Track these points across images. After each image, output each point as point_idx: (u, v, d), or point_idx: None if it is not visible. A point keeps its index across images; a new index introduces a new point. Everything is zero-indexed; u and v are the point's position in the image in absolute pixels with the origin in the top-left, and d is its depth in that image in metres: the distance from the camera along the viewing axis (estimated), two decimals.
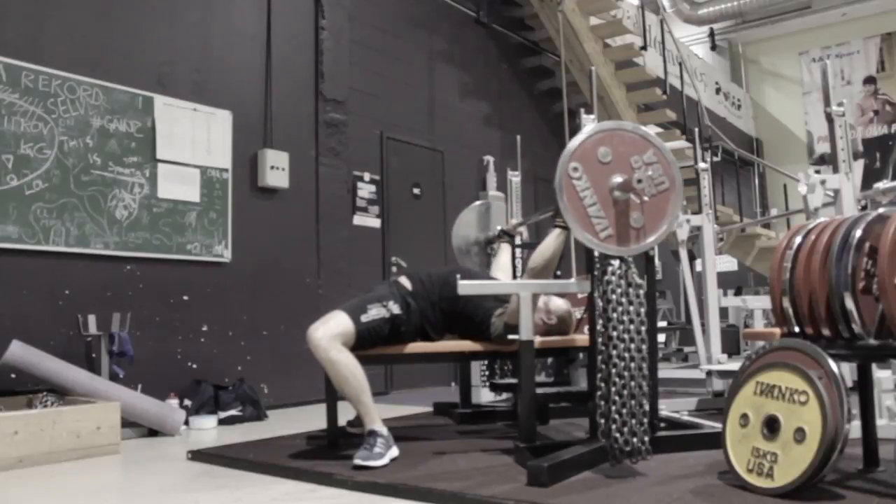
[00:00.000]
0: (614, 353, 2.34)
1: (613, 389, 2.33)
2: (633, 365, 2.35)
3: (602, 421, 2.34)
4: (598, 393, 2.37)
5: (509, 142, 5.54)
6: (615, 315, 2.37)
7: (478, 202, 4.08)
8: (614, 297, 2.38)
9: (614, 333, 2.35)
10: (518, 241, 3.98)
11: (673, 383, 5.18)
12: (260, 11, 4.94)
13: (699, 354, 4.39)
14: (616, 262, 2.40)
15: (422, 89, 6.25)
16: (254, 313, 4.62)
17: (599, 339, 2.39)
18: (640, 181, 2.36)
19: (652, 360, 2.95)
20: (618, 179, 2.39)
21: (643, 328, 2.40)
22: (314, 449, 3.05)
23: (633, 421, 2.32)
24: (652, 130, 8.54)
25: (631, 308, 2.38)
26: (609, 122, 2.51)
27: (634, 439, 2.32)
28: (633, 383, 2.34)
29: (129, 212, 4.05)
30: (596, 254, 2.45)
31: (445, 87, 6.48)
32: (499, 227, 3.87)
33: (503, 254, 3.82)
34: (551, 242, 2.77)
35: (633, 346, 2.36)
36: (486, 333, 3.02)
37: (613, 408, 2.32)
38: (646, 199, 2.41)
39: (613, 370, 2.33)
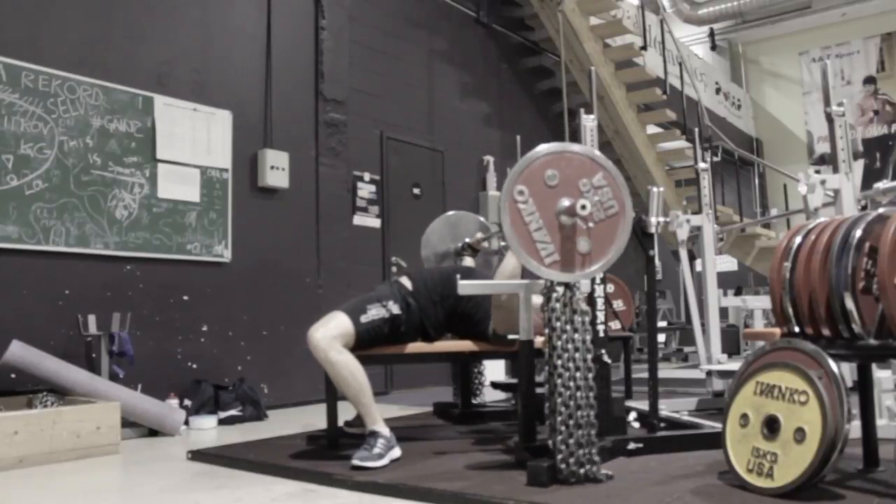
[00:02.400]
0: (559, 382, 2.28)
1: (559, 419, 2.26)
2: (578, 394, 2.27)
3: (552, 449, 2.28)
4: (548, 422, 2.31)
5: (509, 142, 5.54)
6: (559, 343, 2.29)
7: (449, 213, 4.07)
8: (558, 324, 2.30)
9: (558, 363, 2.28)
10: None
11: (673, 383, 5.18)
12: (260, 11, 4.94)
13: (699, 354, 4.39)
14: (561, 289, 2.32)
15: (422, 89, 6.25)
16: (254, 313, 4.62)
17: (546, 369, 2.32)
18: (583, 207, 2.26)
19: (652, 360, 2.98)
20: (565, 203, 2.30)
21: (589, 356, 2.31)
22: (314, 449, 3.05)
23: (581, 452, 2.25)
24: (652, 130, 8.52)
25: (576, 336, 2.30)
26: (557, 143, 2.41)
27: (582, 471, 2.25)
28: (579, 413, 2.26)
29: (129, 212, 4.05)
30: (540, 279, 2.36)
31: (445, 87, 6.48)
32: (466, 240, 3.86)
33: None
34: (509, 261, 2.82)
35: (578, 374, 2.28)
36: (483, 334, 3.03)
37: (559, 437, 2.25)
38: (591, 225, 2.31)
39: (559, 399, 2.27)
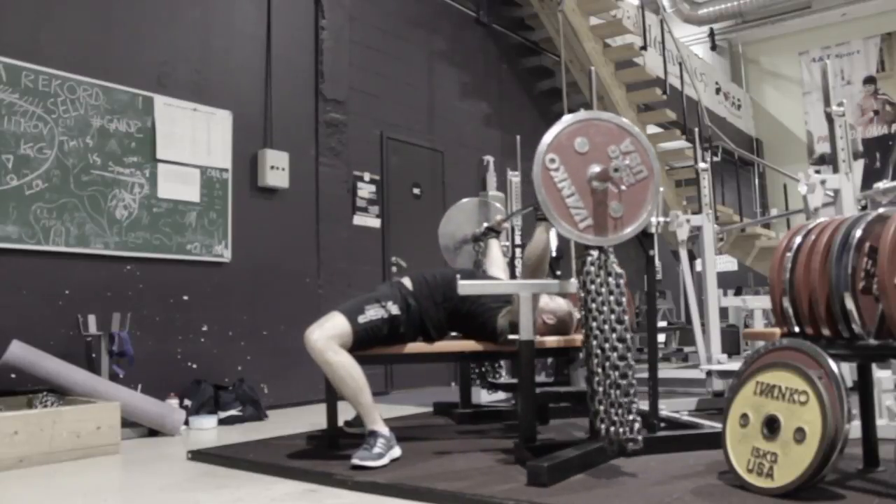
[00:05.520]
0: (594, 343, 2.32)
1: (596, 380, 2.31)
2: (614, 355, 2.32)
3: (590, 409, 2.33)
4: (587, 388, 2.36)
5: (509, 142, 5.54)
6: (594, 305, 2.34)
7: (464, 200, 4.09)
8: (593, 287, 2.36)
9: (594, 324, 2.33)
10: (504, 236, 3.99)
11: (673, 383, 5.18)
12: (260, 11, 4.94)
13: (699, 354, 4.39)
14: (595, 253, 2.39)
15: (422, 89, 6.25)
16: (254, 313, 4.62)
17: (583, 332, 2.38)
18: (616, 170, 2.34)
19: (652, 360, 2.97)
20: (595, 169, 2.37)
21: (625, 317, 2.37)
22: (314, 449, 3.05)
23: (619, 411, 2.29)
24: (652, 130, 8.49)
25: (611, 298, 2.35)
26: (585, 112, 2.50)
27: (622, 429, 2.29)
28: (615, 373, 2.31)
29: (129, 212, 4.05)
30: (573, 244, 2.45)
31: (445, 87, 6.48)
32: (485, 224, 3.88)
33: (493, 249, 3.83)
34: (539, 237, 2.78)
35: (614, 335, 2.33)
36: (491, 334, 3.02)
37: (597, 398, 2.30)
38: (623, 188, 2.39)
39: (595, 361, 2.31)
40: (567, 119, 2.42)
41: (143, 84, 4.19)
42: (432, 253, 4.07)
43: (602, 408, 2.29)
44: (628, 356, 2.34)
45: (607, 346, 2.33)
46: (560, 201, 2.35)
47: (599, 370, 2.31)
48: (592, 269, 2.37)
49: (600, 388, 2.30)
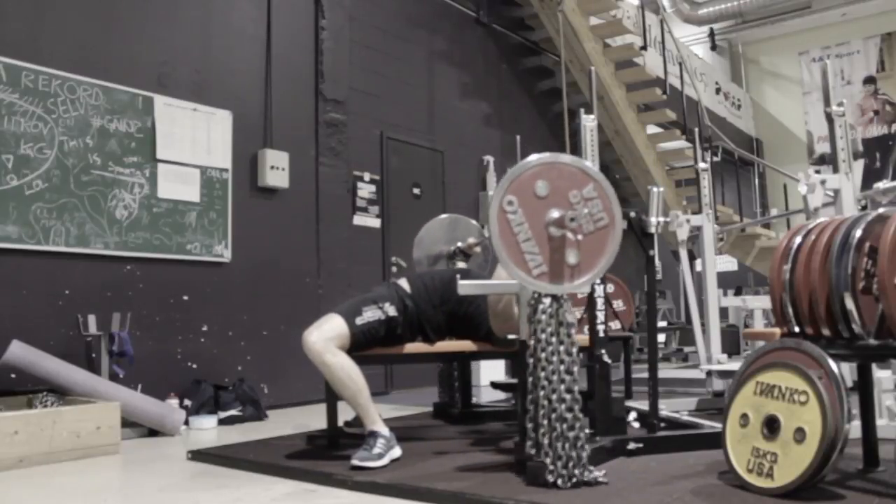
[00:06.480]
0: (542, 393, 2.27)
1: (541, 432, 2.26)
2: (562, 406, 2.27)
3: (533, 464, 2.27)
4: (528, 437, 2.31)
5: (509, 142, 5.54)
6: (543, 355, 2.29)
7: (443, 216, 4.06)
8: (543, 336, 2.30)
9: (542, 374, 2.28)
10: (486, 256, 3.98)
11: (673, 383, 5.18)
12: (260, 11, 4.94)
13: (699, 354, 4.39)
14: (548, 301, 2.32)
15: (422, 89, 6.25)
16: (254, 313, 4.62)
17: (530, 380, 2.32)
18: (572, 219, 2.27)
19: (652, 360, 2.97)
20: (554, 215, 2.29)
21: (574, 368, 2.31)
22: (314, 449, 3.05)
23: (570, 463, 2.23)
24: (652, 130, 8.49)
25: (561, 348, 2.30)
26: (548, 154, 2.39)
27: (568, 484, 2.21)
28: (563, 426, 2.25)
29: (129, 212, 4.05)
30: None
31: (445, 87, 6.48)
32: (458, 244, 3.85)
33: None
34: (500, 273, 2.82)
35: (562, 387, 2.28)
36: (486, 336, 3.02)
37: (542, 450, 2.24)
38: (580, 237, 2.31)
39: (541, 412, 2.27)
40: (530, 160, 2.34)
41: (143, 84, 4.19)
42: None
43: (549, 460, 2.23)
44: (576, 408, 2.28)
45: (554, 397, 2.27)
46: (515, 246, 2.28)
47: (545, 422, 2.26)
48: (544, 317, 2.31)
49: (545, 440, 2.25)
